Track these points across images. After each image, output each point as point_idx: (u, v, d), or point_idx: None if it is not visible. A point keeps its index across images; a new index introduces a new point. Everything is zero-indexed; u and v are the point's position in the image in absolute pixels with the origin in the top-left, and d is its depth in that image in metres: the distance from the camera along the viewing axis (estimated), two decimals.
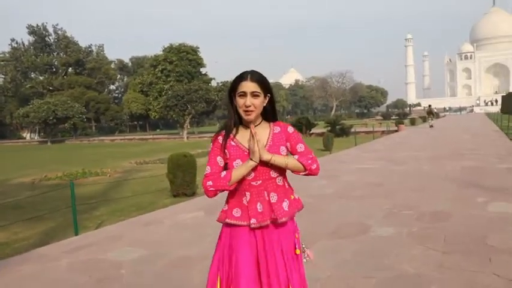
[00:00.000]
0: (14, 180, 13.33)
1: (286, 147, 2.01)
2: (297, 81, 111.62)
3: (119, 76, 76.20)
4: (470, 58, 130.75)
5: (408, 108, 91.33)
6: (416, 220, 5.04)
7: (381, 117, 65.57)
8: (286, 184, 2.04)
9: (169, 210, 6.72)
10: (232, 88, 1.97)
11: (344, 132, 27.33)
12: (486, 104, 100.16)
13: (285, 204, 1.98)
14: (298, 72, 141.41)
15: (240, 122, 2.00)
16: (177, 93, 38.41)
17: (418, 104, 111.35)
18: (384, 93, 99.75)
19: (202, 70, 51.12)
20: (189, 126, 61.74)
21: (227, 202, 2.03)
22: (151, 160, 17.54)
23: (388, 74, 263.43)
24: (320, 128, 30.06)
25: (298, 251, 2.02)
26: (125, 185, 10.79)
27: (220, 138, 2.01)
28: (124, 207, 8.06)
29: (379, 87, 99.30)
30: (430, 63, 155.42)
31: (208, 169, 1.98)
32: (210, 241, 4.62)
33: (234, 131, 2.01)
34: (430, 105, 34.94)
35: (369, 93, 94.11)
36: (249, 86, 1.91)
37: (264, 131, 1.99)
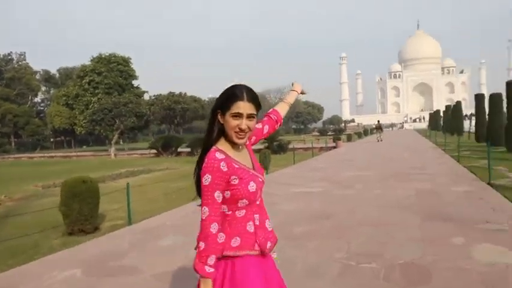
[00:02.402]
0: None
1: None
2: None
3: (44, 88, 70.58)
4: (399, 77, 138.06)
5: (343, 124, 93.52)
6: (385, 281, 3.55)
7: (318, 133, 66.09)
8: None
9: (37, 266, 4.75)
10: (223, 105, 1.71)
11: (282, 148, 26.16)
12: (414, 121, 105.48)
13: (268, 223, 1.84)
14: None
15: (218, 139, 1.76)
16: (104, 107, 35.46)
17: (352, 120, 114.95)
18: (320, 110, 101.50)
19: (135, 83, 48.37)
20: (122, 142, 58.13)
21: (231, 234, 1.69)
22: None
23: (323, 91, 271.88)
24: (257, 145, 28.75)
25: None
26: (16, 218, 8.50)
27: (223, 165, 1.65)
28: None
29: (315, 103, 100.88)
30: (363, 81, 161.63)
31: (206, 212, 1.63)
32: None
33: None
34: (378, 121, 36.04)
35: (306, 109, 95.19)
36: (246, 107, 1.68)
37: (244, 150, 1.81)
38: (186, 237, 5.57)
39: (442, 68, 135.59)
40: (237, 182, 1.65)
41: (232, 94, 1.69)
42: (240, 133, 1.68)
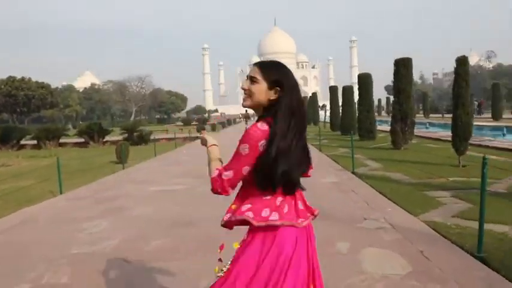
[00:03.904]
0: None
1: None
2: (93, 84, 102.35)
3: None
4: None
5: (207, 114, 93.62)
6: None
7: (182, 123, 64.65)
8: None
9: None
10: None
11: (143, 139, 24.30)
12: None
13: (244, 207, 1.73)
14: (94, 76, 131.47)
15: None
16: None
17: (216, 110, 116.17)
18: (183, 99, 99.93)
19: None
20: None
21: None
22: None
23: (187, 81, 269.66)
24: (116, 135, 26.26)
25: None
26: None
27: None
28: None
29: (179, 93, 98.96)
30: (225, 72, 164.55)
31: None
32: None
33: None
34: (246, 110, 36.75)
35: (169, 99, 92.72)
36: (251, 70, 1.76)
37: None
38: None
39: (297, 63, 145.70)
40: None
41: None
42: (244, 94, 1.75)
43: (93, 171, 11.84)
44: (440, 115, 48.84)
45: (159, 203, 6.66)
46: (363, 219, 4.93)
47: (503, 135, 18.99)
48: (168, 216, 5.69)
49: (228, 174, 1.67)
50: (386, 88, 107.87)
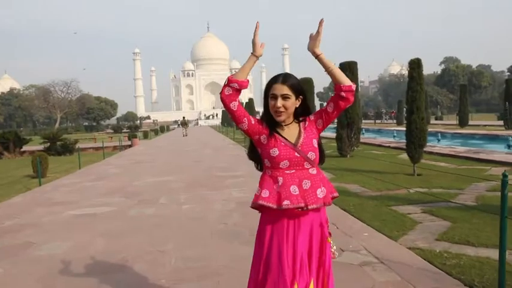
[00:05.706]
0: None
1: (318, 138, 2.07)
2: (12, 89, 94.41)
3: None
4: (192, 76, 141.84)
5: (139, 121, 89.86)
6: None
7: (112, 131, 61.13)
8: (320, 173, 2.03)
9: None
10: (267, 91, 2.03)
11: (67, 149, 21.96)
12: (207, 118, 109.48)
13: (319, 191, 1.96)
14: (13, 79, 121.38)
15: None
16: None
17: (148, 117, 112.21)
18: (114, 106, 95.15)
19: None
20: None
21: (259, 186, 2.01)
22: None
23: (117, 86, 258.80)
24: (37, 145, 23.55)
25: (329, 239, 2.04)
26: None
27: (258, 117, 2.11)
28: None
29: (108, 99, 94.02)
30: (157, 78, 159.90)
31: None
32: None
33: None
34: (184, 117, 38.19)
35: (98, 105, 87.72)
36: (279, 88, 1.96)
37: (294, 129, 2.04)
38: None
39: (230, 69, 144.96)
40: (265, 142, 1.99)
41: (271, 79, 2.01)
42: (277, 112, 1.96)
43: (0, 188, 9.95)
44: (370, 121, 50.48)
45: (78, 234, 5.24)
46: (340, 250, 3.97)
47: (438, 140, 19.41)
48: (87, 254, 4.34)
49: None
50: (318, 95, 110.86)
